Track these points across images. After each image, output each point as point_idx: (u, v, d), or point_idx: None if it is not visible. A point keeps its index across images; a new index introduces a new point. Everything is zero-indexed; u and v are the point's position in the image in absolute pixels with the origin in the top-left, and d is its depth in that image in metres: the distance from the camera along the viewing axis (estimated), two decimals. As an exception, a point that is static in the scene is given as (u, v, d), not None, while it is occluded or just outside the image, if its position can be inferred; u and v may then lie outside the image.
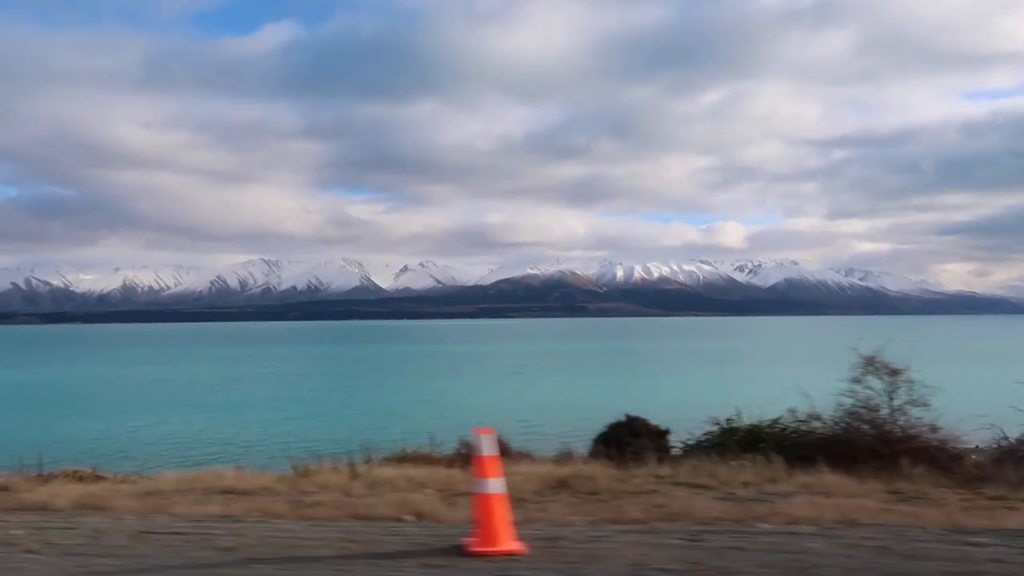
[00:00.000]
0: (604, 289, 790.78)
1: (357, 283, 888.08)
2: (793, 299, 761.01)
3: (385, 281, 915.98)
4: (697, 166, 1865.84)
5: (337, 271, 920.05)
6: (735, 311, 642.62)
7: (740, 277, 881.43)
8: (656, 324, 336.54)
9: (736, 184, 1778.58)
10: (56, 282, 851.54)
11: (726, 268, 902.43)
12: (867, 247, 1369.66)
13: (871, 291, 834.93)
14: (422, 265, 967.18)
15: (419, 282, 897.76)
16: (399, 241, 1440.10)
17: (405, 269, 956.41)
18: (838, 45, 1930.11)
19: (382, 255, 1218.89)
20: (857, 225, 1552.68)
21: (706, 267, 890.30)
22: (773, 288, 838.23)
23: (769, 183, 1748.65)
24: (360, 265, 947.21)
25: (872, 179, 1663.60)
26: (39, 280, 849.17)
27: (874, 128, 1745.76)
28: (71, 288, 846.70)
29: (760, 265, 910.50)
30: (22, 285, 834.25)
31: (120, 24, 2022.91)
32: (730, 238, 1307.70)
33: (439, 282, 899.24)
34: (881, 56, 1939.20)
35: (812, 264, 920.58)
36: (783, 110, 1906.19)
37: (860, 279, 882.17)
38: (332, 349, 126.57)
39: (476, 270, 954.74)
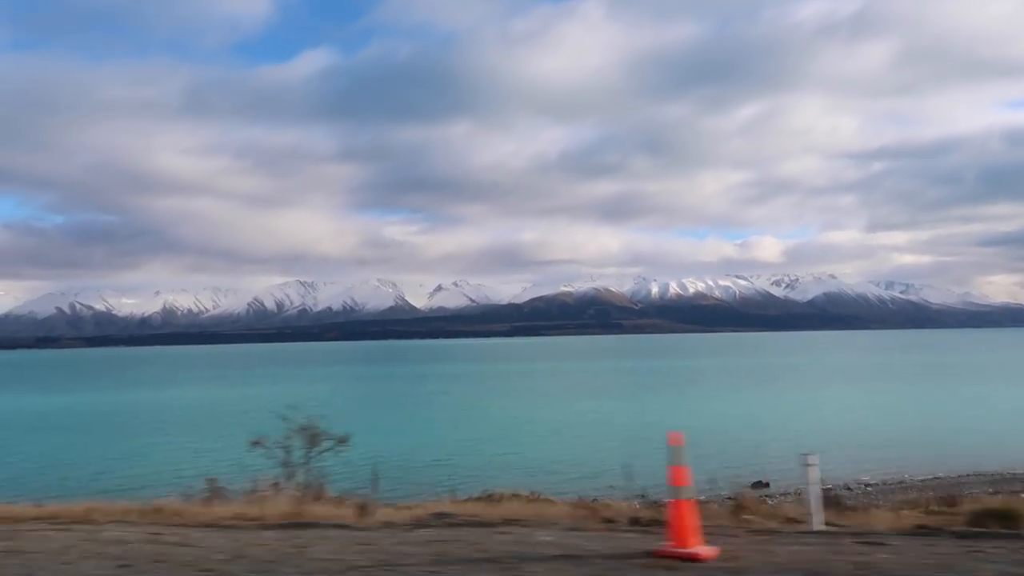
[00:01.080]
0: (639, 305, 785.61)
1: (392, 303, 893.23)
2: (832, 313, 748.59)
3: (419, 301, 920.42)
4: (732, 181, 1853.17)
5: (372, 291, 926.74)
6: (773, 326, 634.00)
7: (777, 292, 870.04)
8: (702, 340, 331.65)
9: (772, 198, 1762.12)
10: (99, 306, 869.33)
11: (762, 283, 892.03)
12: (908, 259, 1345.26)
13: (913, 304, 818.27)
14: (455, 284, 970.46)
15: (453, 301, 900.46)
16: (433, 261, 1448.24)
17: (439, 288, 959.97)
18: (877, 57, 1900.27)
19: (416, 275, 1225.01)
20: (897, 237, 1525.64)
21: (742, 282, 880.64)
22: (811, 303, 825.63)
23: (806, 196, 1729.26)
24: (394, 285, 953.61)
25: (912, 191, 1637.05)
26: (82, 304, 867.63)
27: (914, 139, 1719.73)
28: (113, 312, 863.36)
29: (797, 279, 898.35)
30: (66, 310, 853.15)
31: (165, 55, 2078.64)
32: (766, 253, 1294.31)
33: (473, 301, 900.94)
34: (921, 67, 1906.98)
35: (851, 278, 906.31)
36: (820, 124, 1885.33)
37: (901, 292, 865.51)
38: (445, 368, 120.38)
39: (509, 288, 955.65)
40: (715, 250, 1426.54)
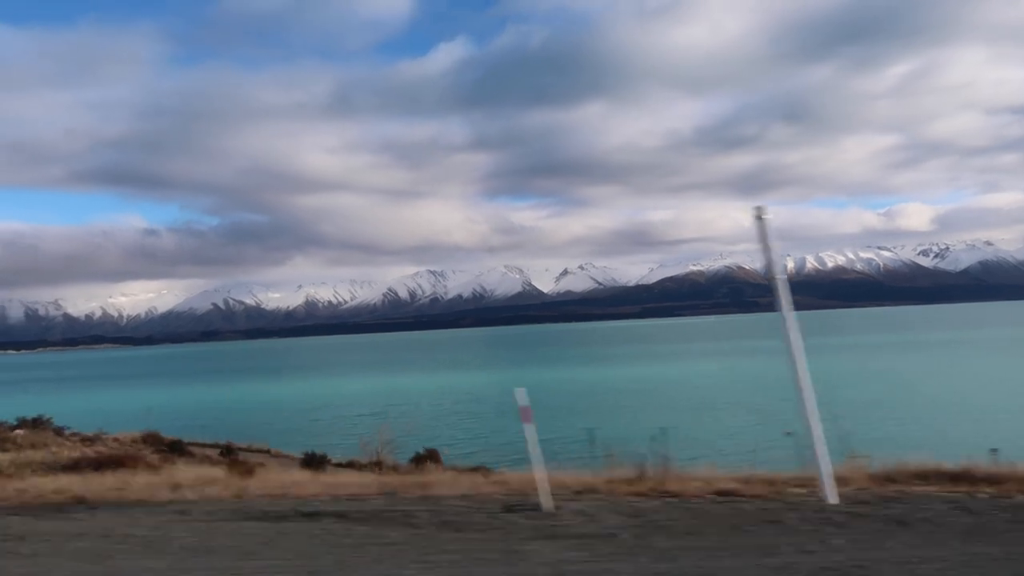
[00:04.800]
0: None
1: (519, 288, 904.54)
2: (989, 284, 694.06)
3: (546, 285, 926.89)
4: (878, 146, 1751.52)
5: (500, 278, 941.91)
6: (922, 299, 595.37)
7: (925, 262, 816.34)
8: (860, 316, 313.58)
9: (922, 162, 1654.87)
10: (249, 301, 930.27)
11: (908, 253, 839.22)
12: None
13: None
14: (581, 268, 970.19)
15: (580, 284, 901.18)
16: (559, 245, 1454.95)
17: (565, 272, 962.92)
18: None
19: (542, 260, 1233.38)
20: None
21: (886, 253, 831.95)
22: (965, 272, 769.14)
23: (961, 157, 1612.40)
24: (521, 271, 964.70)
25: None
26: (235, 300, 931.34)
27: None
28: (262, 306, 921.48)
29: (948, 248, 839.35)
30: (221, 305, 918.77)
31: (313, 59, 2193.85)
32: (913, 221, 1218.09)
33: (599, 283, 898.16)
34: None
35: (1011, 244, 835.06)
36: (981, 77, 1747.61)
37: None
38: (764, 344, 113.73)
39: (636, 269, 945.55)
40: (856, 220, 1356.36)
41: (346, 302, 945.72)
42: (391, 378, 78.11)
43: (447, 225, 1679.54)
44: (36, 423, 22.12)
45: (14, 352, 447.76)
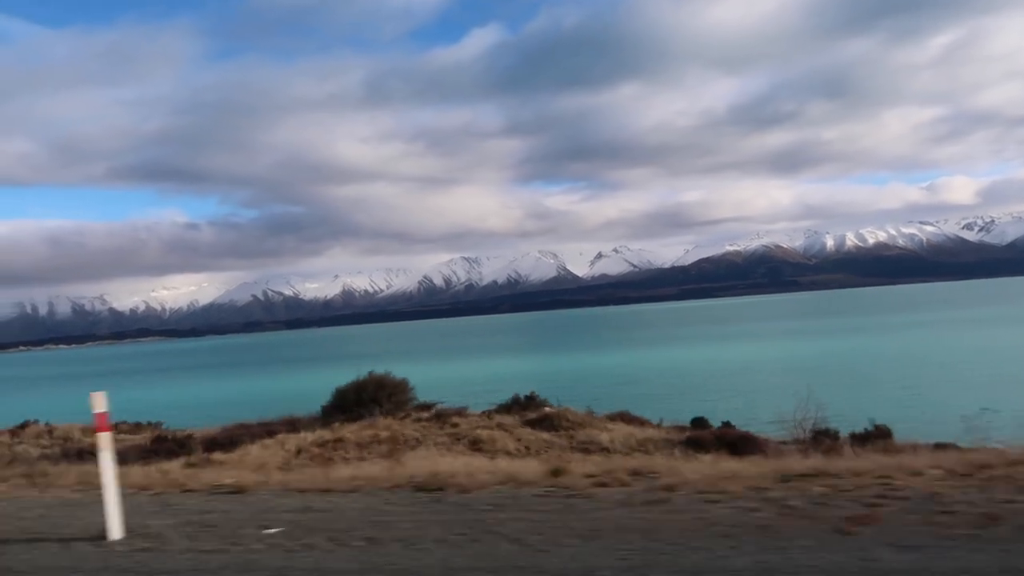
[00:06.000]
0: (814, 260, 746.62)
1: (554, 273, 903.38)
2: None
3: (580, 269, 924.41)
4: (920, 119, 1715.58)
5: (533, 263, 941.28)
6: (967, 274, 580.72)
7: (970, 236, 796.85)
8: (910, 292, 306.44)
9: (967, 134, 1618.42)
10: (287, 292, 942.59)
11: (951, 227, 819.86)
12: None
13: None
14: (616, 251, 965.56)
15: (614, 268, 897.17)
16: (592, 229, 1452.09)
17: (599, 256, 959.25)
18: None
19: (575, 244, 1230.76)
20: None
21: (928, 228, 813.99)
22: (1011, 246, 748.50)
23: (1008, 128, 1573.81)
24: (555, 255, 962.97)
25: None
26: (273, 291, 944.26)
27: None
28: (300, 296, 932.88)
29: (993, 221, 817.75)
30: (260, 297, 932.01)
31: (346, 50, 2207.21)
32: (956, 194, 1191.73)
33: (634, 266, 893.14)
34: None
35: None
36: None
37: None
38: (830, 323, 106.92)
39: (670, 251, 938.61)
40: (897, 195, 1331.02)
41: (382, 291, 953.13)
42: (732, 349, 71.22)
43: (481, 211, 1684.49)
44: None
45: (65, 347, 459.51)
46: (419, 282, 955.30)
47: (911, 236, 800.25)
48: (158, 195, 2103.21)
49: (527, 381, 30.25)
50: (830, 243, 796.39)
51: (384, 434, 16.52)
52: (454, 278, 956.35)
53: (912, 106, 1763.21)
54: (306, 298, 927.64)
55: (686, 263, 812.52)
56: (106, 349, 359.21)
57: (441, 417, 18.63)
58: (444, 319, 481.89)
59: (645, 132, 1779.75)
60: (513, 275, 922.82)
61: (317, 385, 27.90)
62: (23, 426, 22.79)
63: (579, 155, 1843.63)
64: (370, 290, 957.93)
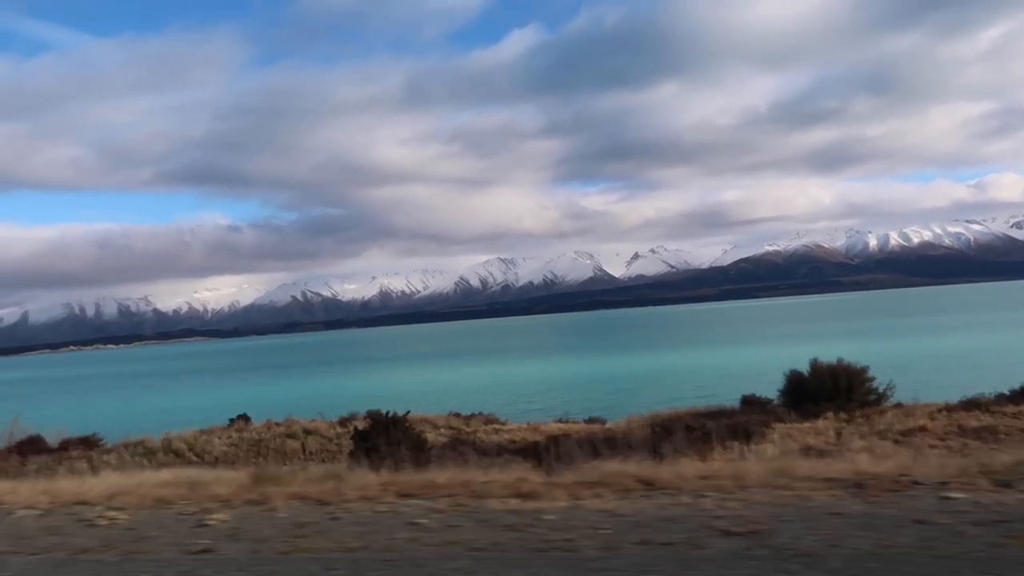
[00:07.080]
0: (856, 260, 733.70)
1: (591, 274, 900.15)
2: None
3: (617, 270, 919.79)
4: (969, 114, 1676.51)
5: (570, 264, 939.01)
6: (1016, 274, 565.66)
7: (1019, 235, 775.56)
8: (962, 293, 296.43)
9: (1017, 130, 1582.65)
10: (326, 293, 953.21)
11: (999, 226, 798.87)
12: None
13: None
14: (652, 251, 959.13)
15: (651, 268, 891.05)
16: (629, 229, 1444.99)
17: (636, 256, 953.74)
18: None
19: (612, 244, 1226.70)
20: None
21: (976, 227, 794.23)
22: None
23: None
24: (591, 256, 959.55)
25: None
26: (312, 292, 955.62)
27: None
28: (338, 298, 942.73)
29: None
30: (299, 298, 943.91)
31: (387, 53, 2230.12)
32: (1005, 192, 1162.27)
33: (671, 267, 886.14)
34: None
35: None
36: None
37: None
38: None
39: (708, 252, 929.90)
40: (943, 193, 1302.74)
41: (419, 292, 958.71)
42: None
43: (517, 212, 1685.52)
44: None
45: (113, 346, 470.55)
46: (455, 283, 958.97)
47: (957, 235, 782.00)
48: (201, 198, 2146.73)
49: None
50: (873, 243, 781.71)
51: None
52: (490, 279, 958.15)
53: (960, 101, 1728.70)
54: (344, 299, 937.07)
55: (724, 263, 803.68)
56: (161, 348, 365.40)
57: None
58: (481, 320, 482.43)
59: (684, 131, 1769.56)
60: (549, 276, 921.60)
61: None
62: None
63: (617, 155, 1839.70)
64: (407, 291, 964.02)
